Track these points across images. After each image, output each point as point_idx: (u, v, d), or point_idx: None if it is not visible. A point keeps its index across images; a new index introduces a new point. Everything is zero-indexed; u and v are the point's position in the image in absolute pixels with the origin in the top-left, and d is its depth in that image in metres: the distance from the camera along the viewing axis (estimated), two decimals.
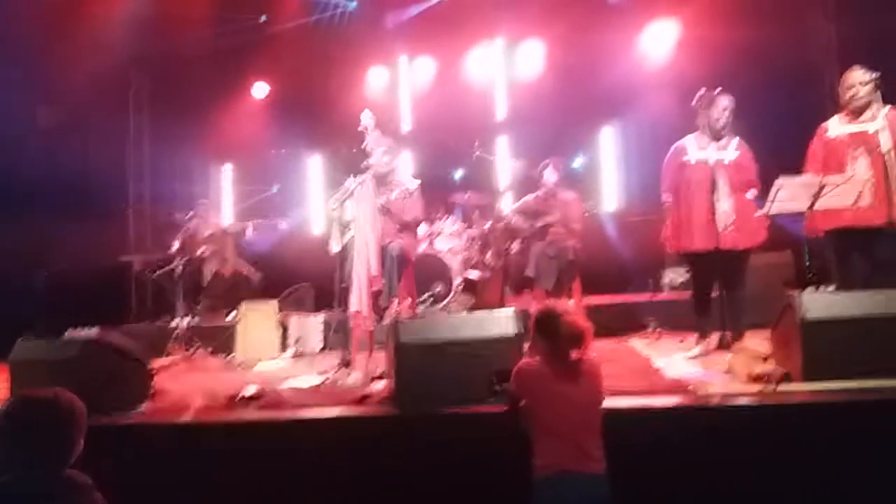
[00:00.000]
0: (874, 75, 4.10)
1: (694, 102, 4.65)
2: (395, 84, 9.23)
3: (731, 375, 3.85)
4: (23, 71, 7.51)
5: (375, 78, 9.20)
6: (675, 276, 7.12)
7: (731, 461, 3.11)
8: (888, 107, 4.19)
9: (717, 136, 4.57)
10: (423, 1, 8.56)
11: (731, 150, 4.63)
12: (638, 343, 5.55)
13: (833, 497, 3.04)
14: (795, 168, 4.48)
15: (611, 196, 8.52)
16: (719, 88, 4.59)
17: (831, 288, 4.54)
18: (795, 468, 3.07)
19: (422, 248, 6.68)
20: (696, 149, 4.64)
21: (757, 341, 4.53)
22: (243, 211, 8.96)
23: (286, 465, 3.48)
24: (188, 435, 3.68)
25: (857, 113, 4.36)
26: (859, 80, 4.31)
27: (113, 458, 3.54)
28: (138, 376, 4.16)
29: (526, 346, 3.15)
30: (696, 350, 4.62)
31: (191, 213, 7.85)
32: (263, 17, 8.71)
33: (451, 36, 8.51)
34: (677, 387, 3.63)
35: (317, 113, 8.86)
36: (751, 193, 4.60)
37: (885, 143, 4.05)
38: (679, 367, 4.28)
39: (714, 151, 4.47)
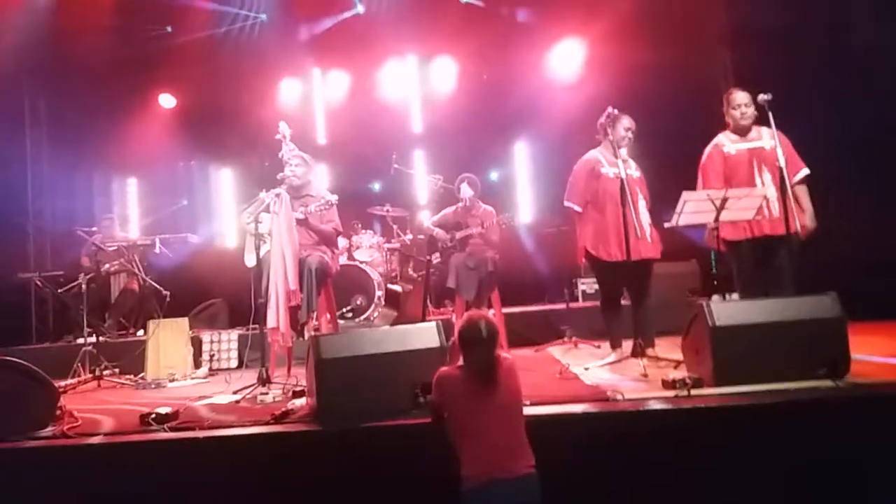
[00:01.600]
0: (764, 96, 4.34)
1: (602, 120, 4.79)
2: (308, 96, 9.15)
3: (646, 381, 3.95)
4: None
5: (288, 90, 9.10)
6: (588, 285, 7.31)
7: (649, 463, 3.18)
8: (769, 127, 4.44)
9: (618, 153, 4.70)
10: (335, 14, 8.51)
11: (633, 167, 4.82)
12: (556, 351, 5.64)
13: (745, 496, 3.15)
14: (693, 182, 4.70)
15: (526, 208, 8.69)
16: (615, 110, 4.74)
17: (735, 296, 4.74)
18: (709, 469, 3.17)
19: (341, 261, 6.58)
20: (608, 162, 4.76)
21: (667, 348, 4.69)
22: (151, 225, 8.67)
23: (203, 486, 3.31)
24: (98, 456, 3.45)
25: (743, 131, 4.62)
26: (745, 101, 4.59)
27: (18, 482, 3.32)
28: (44, 397, 3.90)
29: (451, 355, 3.12)
30: (612, 357, 4.72)
31: (94, 227, 7.50)
32: (168, 28, 8.43)
33: (365, 50, 8.52)
34: (596, 393, 3.68)
35: (227, 125, 8.70)
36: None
37: (781, 158, 4.29)
38: (596, 374, 4.36)
39: (622, 166, 4.60)
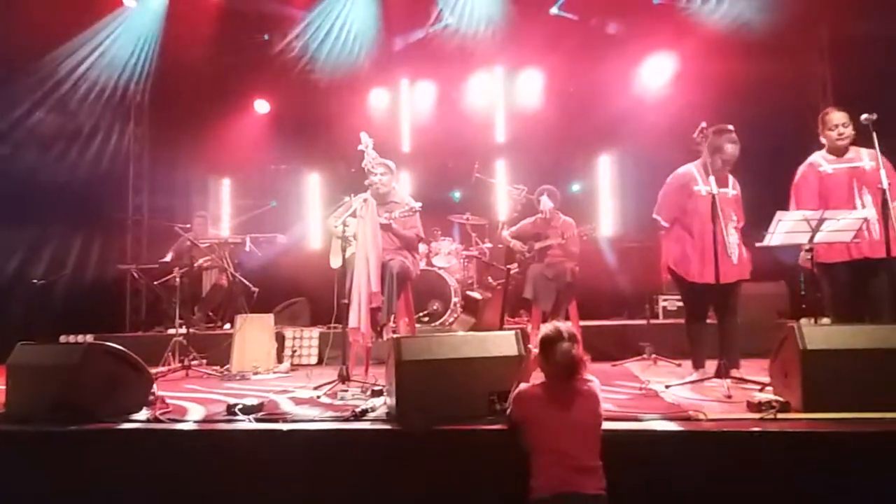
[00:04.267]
0: (868, 116, 4.15)
1: (696, 135, 4.62)
2: (395, 106, 9.31)
3: (730, 403, 3.84)
4: (23, 75, 7.52)
5: (376, 100, 9.29)
6: (670, 302, 7.16)
7: (730, 488, 3.07)
8: (867, 148, 4.23)
9: (718, 171, 4.58)
10: (426, 25, 8.64)
11: (731, 185, 4.69)
12: (635, 367, 5.56)
13: None
14: (786, 202, 4.55)
15: (608, 222, 8.60)
16: (729, 126, 4.59)
17: (826, 320, 4.53)
18: (794, 496, 3.04)
19: (421, 266, 6.66)
20: (702, 180, 4.63)
21: (752, 370, 4.55)
22: (241, 224, 8.96)
23: (284, 476, 3.41)
24: (188, 441, 3.59)
25: (840, 152, 4.43)
26: (842, 121, 4.42)
27: (113, 462, 3.51)
28: (138, 383, 4.08)
29: (528, 364, 3.10)
30: (694, 376, 4.60)
31: (189, 224, 7.82)
32: (266, 36, 8.74)
33: (453, 61, 8.60)
34: (677, 412, 3.60)
35: (317, 132, 8.94)
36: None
37: (884, 179, 4.09)
38: (677, 392, 4.27)
39: (717, 184, 4.48)
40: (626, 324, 6.91)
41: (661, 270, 4.90)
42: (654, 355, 5.77)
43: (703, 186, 4.59)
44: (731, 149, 4.59)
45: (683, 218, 4.67)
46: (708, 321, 4.81)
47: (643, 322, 6.30)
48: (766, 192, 4.82)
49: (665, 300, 7.36)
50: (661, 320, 7.15)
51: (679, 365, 5.37)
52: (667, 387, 4.40)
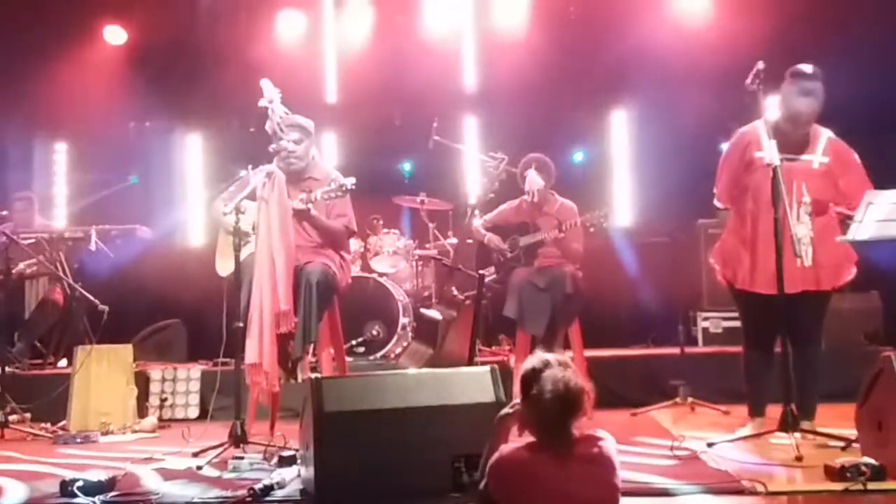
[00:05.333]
0: None
1: (749, 81, 4.66)
2: (316, 37, 9.27)
3: (801, 468, 3.88)
4: None
5: (286, 26, 9.24)
6: (713, 322, 7.23)
7: None
8: None
9: (789, 133, 4.62)
10: None
11: (820, 150, 4.71)
12: (664, 417, 5.62)
13: None
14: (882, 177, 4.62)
15: (624, 206, 8.67)
16: (802, 67, 4.63)
17: None
18: None
19: (353, 271, 6.62)
20: (770, 143, 4.60)
21: (833, 418, 4.63)
22: (85, 210, 8.82)
23: None
24: None
25: None
26: None
27: None
28: None
29: (506, 417, 3.08)
30: (748, 429, 4.65)
31: (5, 211, 7.65)
32: None
33: None
34: (724, 481, 3.64)
35: (198, 72, 8.86)
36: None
37: None
38: (725, 453, 4.30)
39: (788, 149, 4.51)
40: (651, 353, 6.98)
41: (715, 270, 5.00)
42: (690, 399, 5.81)
43: (768, 152, 4.59)
44: (802, 103, 4.63)
45: (741, 198, 4.76)
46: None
47: (675, 351, 6.35)
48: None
49: (707, 319, 7.44)
50: (700, 348, 7.21)
51: (727, 412, 5.45)
52: (710, 445, 4.42)
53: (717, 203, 4.93)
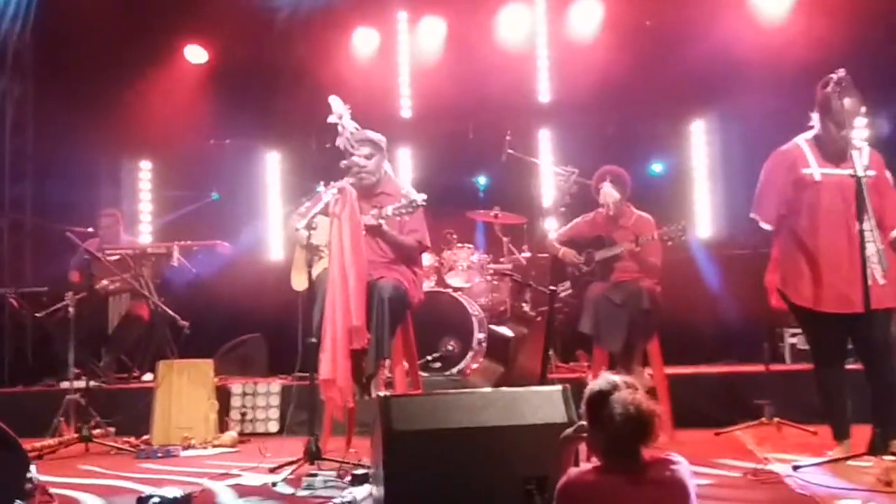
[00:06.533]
0: None
1: (829, 88, 4.57)
2: (390, 53, 9.36)
3: (889, 493, 3.80)
4: None
5: (362, 43, 9.34)
6: (801, 338, 7.01)
7: None
8: None
9: (839, 134, 4.56)
10: None
11: (864, 162, 4.58)
12: (748, 438, 5.50)
13: None
14: None
15: (705, 218, 8.58)
16: (839, 72, 4.51)
17: None
18: None
19: (426, 287, 6.59)
20: (818, 158, 4.63)
21: None
22: (168, 227, 8.98)
23: None
24: None
25: None
26: None
27: None
28: (12, 468, 4.03)
29: (568, 439, 3.03)
30: (835, 452, 4.52)
31: (91, 228, 7.81)
32: None
33: None
34: None
35: (275, 91, 8.97)
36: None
37: None
38: (810, 476, 4.21)
39: (845, 164, 4.46)
40: (734, 371, 6.85)
41: (769, 293, 4.90)
42: (777, 419, 5.64)
43: (817, 169, 4.63)
44: (849, 104, 4.52)
45: (794, 215, 4.68)
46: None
47: (760, 369, 6.18)
48: None
49: (794, 335, 7.26)
50: (787, 366, 7.07)
51: (815, 433, 5.30)
52: (796, 468, 4.34)
53: (756, 218, 4.85)
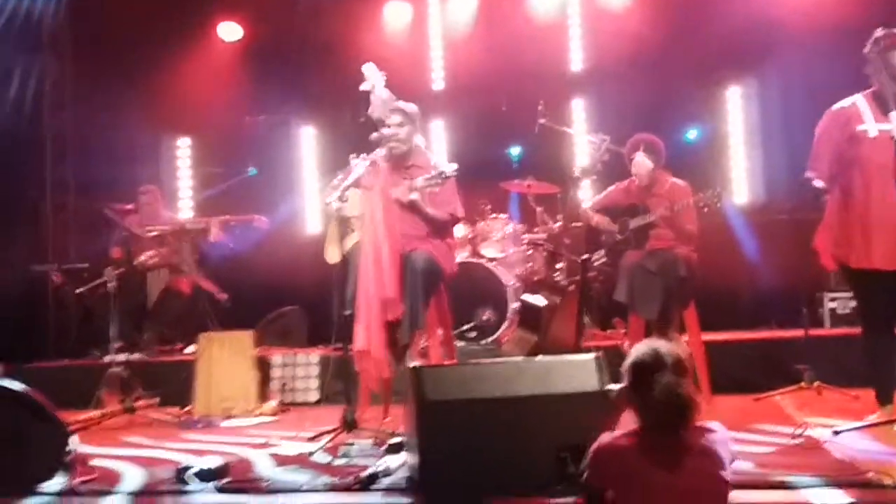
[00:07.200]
0: None
1: (867, 49, 4.57)
2: (422, 25, 9.31)
3: None
4: None
5: (394, 16, 9.31)
6: (841, 302, 7.10)
7: None
8: None
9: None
10: None
11: None
12: (788, 402, 5.47)
13: None
14: None
15: (741, 184, 8.50)
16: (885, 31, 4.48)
17: None
18: None
19: (460, 258, 6.56)
20: (876, 114, 4.54)
21: None
22: (206, 202, 9.03)
23: None
24: None
25: None
26: None
27: None
28: (47, 438, 4.10)
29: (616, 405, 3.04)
30: (875, 417, 4.47)
31: (131, 205, 7.87)
32: None
33: None
34: (849, 473, 3.54)
35: (310, 66, 9.00)
36: None
37: None
38: (850, 442, 4.18)
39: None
40: (774, 336, 6.82)
41: (820, 255, 4.83)
42: (817, 383, 5.58)
43: (874, 125, 4.53)
44: None
45: (846, 174, 4.60)
46: None
47: (800, 334, 6.08)
48: None
49: (834, 299, 7.24)
50: (827, 330, 7.03)
51: (857, 398, 5.24)
52: (836, 433, 4.31)
53: (815, 183, 4.76)
